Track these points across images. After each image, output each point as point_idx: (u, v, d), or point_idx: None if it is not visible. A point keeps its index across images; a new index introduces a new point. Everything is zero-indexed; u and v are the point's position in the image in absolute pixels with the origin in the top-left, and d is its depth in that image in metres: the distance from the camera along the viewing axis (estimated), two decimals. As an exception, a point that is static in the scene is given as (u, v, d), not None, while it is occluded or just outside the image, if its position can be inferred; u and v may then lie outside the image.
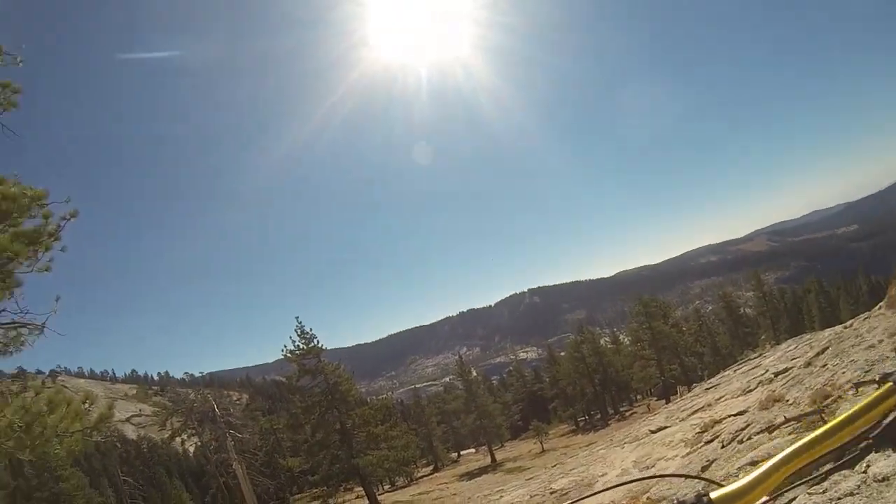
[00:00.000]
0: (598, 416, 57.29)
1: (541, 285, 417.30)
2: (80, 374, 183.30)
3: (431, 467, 57.08)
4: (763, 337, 58.88)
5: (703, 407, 9.75)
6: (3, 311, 9.35)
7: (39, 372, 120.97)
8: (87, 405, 9.08)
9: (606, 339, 72.60)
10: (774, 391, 8.85)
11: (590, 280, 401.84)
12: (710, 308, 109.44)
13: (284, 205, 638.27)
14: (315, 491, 36.79)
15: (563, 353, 68.14)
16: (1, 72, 10.34)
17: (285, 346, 34.53)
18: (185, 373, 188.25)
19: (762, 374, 11.06)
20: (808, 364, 9.26)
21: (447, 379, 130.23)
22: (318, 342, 34.47)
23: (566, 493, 11.45)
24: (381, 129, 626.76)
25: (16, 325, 9.62)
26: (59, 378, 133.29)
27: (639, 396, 66.54)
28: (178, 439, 55.84)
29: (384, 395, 62.59)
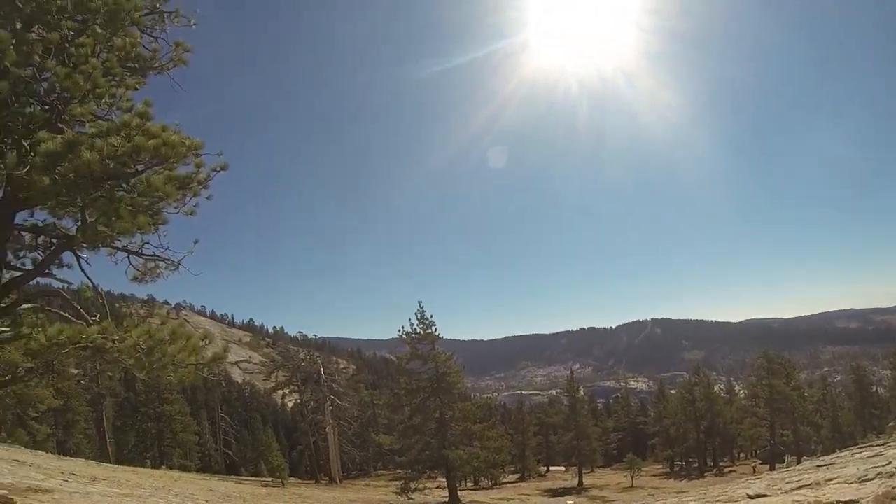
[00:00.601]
0: (696, 464, 54.02)
1: (665, 317, 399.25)
2: (201, 313, 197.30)
3: (518, 476, 56.53)
4: (892, 424, 53.26)
5: (810, 484, 8.75)
6: (147, 244, 10.22)
7: (166, 303, 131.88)
8: (204, 342, 9.67)
9: (721, 386, 69.00)
10: (895, 489, 7.86)
11: (715, 321, 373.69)
12: (839, 378, 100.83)
13: (435, 196, 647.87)
14: (399, 472, 37.39)
15: (673, 392, 65.93)
16: (176, 31, 11.49)
17: (402, 328, 35.29)
18: (300, 332, 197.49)
19: (884, 466, 9.78)
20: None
21: (554, 392, 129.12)
22: (435, 329, 34.94)
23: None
24: (538, 135, 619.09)
25: (155, 258, 10.49)
26: (182, 312, 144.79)
27: (742, 455, 62.63)
28: (279, 392, 58.49)
29: (489, 395, 62.75)
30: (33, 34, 9.55)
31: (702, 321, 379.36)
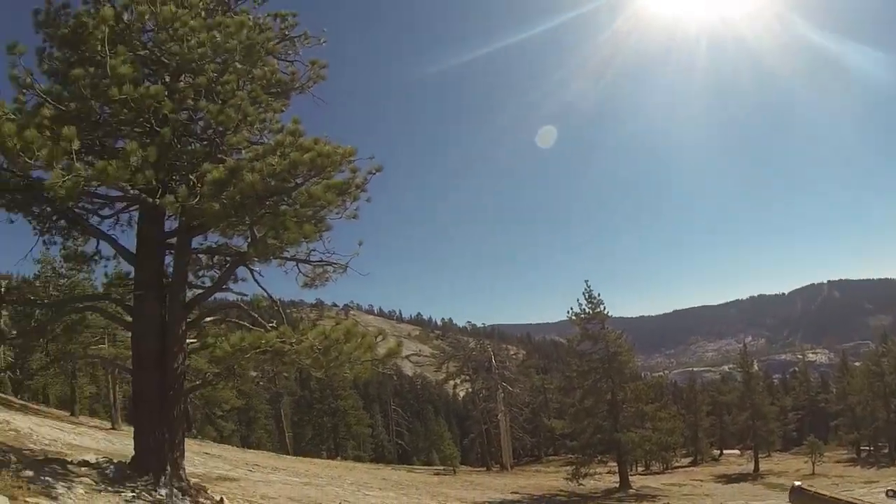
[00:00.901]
0: (886, 450, 47.53)
1: (843, 278, 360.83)
2: (369, 311, 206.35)
3: (690, 459, 54.22)
4: None
5: None
6: (314, 251, 11.10)
7: (334, 305, 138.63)
8: (378, 339, 10.31)
9: (915, 355, 61.91)
10: None
11: None
12: None
13: (576, 164, 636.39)
14: (570, 456, 37.21)
15: (857, 364, 59.54)
16: (307, 51, 12.51)
17: (571, 309, 35.32)
18: (468, 322, 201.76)
19: None
20: None
21: (726, 367, 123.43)
22: (603, 308, 34.74)
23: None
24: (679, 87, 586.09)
25: (323, 263, 11.41)
26: (351, 312, 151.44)
27: None
28: (450, 382, 60.03)
29: (659, 374, 60.79)
30: (182, 82, 10.73)
31: (888, 280, 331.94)
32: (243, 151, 10.25)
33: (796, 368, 79.11)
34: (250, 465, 24.58)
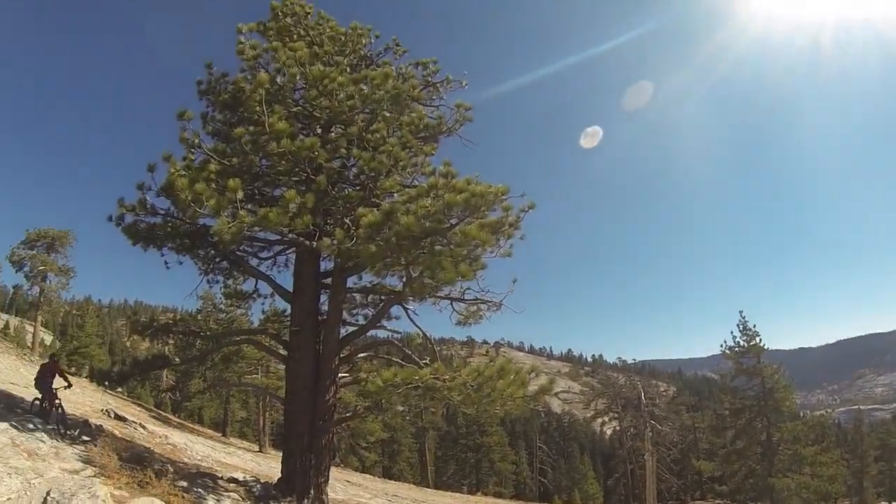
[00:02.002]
0: None
1: None
2: (520, 348, 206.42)
3: (854, 512, 49.53)
4: None
5: None
6: (468, 289, 11.31)
7: (485, 342, 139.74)
8: (531, 375, 10.36)
9: None
10: None
11: None
12: None
13: (724, 188, 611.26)
14: (718, 501, 35.21)
15: None
16: (451, 94, 13.22)
17: (724, 342, 34.01)
18: (618, 357, 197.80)
19: None
20: None
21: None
22: (759, 340, 33.05)
23: None
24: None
25: (477, 301, 11.62)
26: (501, 349, 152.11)
27: None
28: (598, 420, 58.85)
29: (821, 412, 56.19)
30: (333, 133, 11.51)
31: None
32: (396, 195, 10.82)
33: None
34: (390, 495, 25.06)
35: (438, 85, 13.15)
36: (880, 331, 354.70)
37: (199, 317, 20.16)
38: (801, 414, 43.17)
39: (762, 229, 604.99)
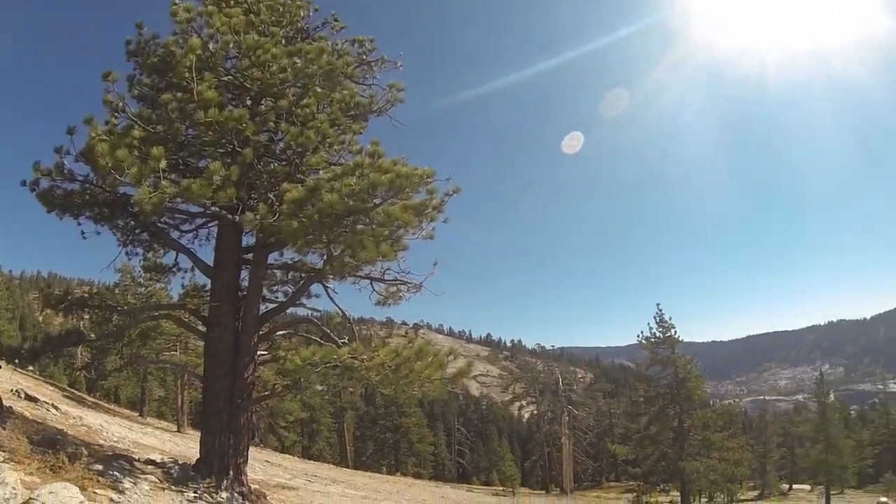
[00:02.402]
0: None
1: None
2: (439, 331, 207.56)
3: (757, 493, 52.09)
4: None
5: None
6: (388, 270, 11.32)
7: (404, 323, 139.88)
8: (450, 358, 10.43)
9: None
10: None
11: None
12: None
13: (644, 186, 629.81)
14: (631, 483, 36.51)
15: None
16: (385, 75, 12.94)
17: (641, 332, 34.94)
18: (537, 343, 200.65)
19: None
20: None
21: (800, 397, 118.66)
22: (675, 332, 34.22)
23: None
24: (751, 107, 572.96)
25: (397, 282, 11.61)
26: (421, 331, 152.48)
27: None
28: (516, 404, 59.98)
29: (729, 401, 58.88)
30: (263, 106, 11.25)
31: None
32: (322, 172, 10.60)
33: (877, 400, 74.81)
34: (310, 475, 24.97)
35: (373, 64, 12.90)
36: (787, 329, 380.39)
37: (116, 290, 19.53)
38: (711, 402, 45.15)
39: (680, 229, 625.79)
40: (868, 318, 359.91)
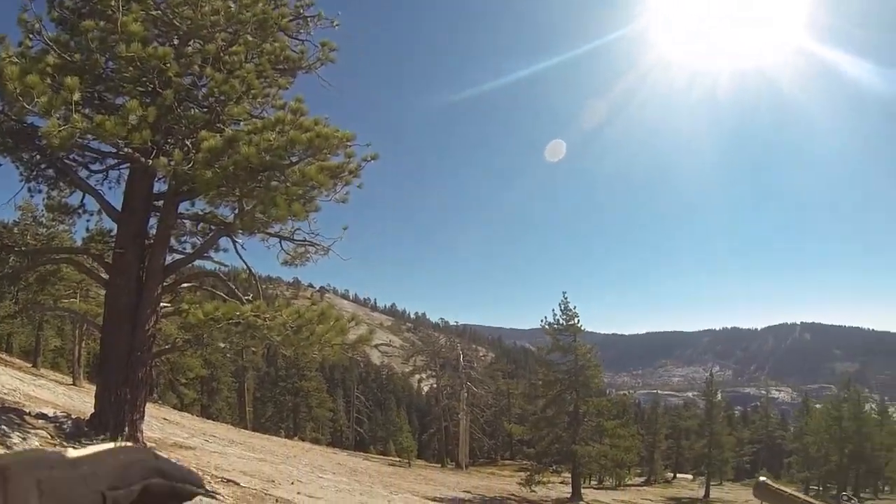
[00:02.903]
0: (834, 492, 47.89)
1: (816, 321, 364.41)
2: (344, 296, 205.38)
3: (643, 479, 54.83)
4: None
5: None
6: (298, 229, 11.13)
7: (311, 286, 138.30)
8: (351, 324, 10.40)
9: (873, 405, 62.93)
10: None
11: (873, 330, 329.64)
12: None
13: (580, 189, 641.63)
14: (525, 463, 37.46)
15: (818, 406, 60.40)
16: (320, 32, 12.48)
17: (545, 318, 35.26)
18: (441, 318, 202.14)
19: None
20: None
21: (690, 394, 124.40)
22: (577, 321, 34.61)
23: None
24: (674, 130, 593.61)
25: (306, 243, 11.41)
26: (327, 295, 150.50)
27: (887, 488, 55.08)
28: (416, 376, 60.22)
29: (624, 392, 61.12)
30: (190, 47, 10.78)
31: (858, 329, 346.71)
32: (242, 123, 10.29)
33: (759, 403, 79.78)
34: (207, 435, 24.50)
35: (309, 19, 12.43)
36: (685, 330, 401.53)
37: (15, 229, 18.41)
38: (607, 392, 46.89)
39: (593, 223, 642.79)
40: (759, 328, 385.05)
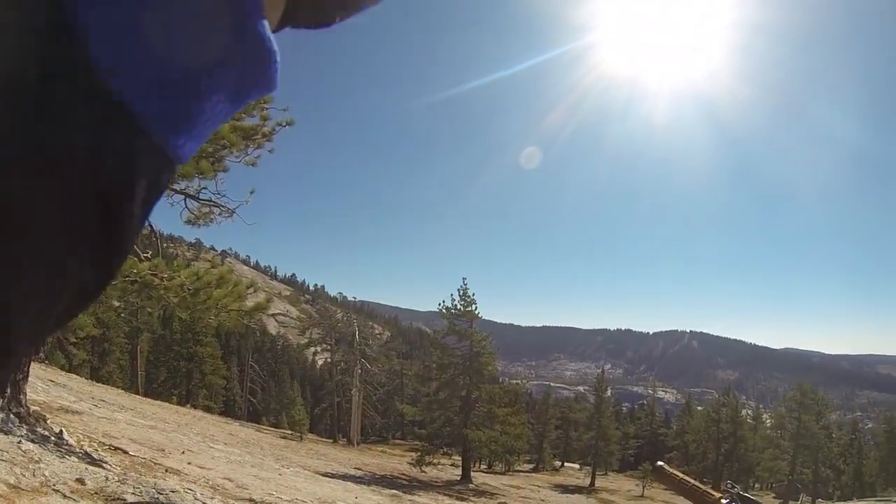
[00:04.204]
0: (711, 485, 52.23)
1: (704, 331, 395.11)
2: (245, 262, 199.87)
3: (532, 466, 56.57)
4: None
5: None
6: (205, 188, 10.64)
7: (212, 248, 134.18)
8: (250, 290, 10.09)
9: (749, 411, 67.36)
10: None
11: (754, 345, 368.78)
12: (870, 426, 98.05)
13: (492, 185, 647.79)
14: (416, 443, 37.76)
15: (700, 408, 64.62)
16: None
17: (443, 302, 35.26)
18: (340, 293, 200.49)
19: None
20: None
21: (581, 388, 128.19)
22: (475, 308, 34.83)
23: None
24: (615, 133, 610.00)
25: (211, 203, 10.90)
26: (228, 259, 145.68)
27: (757, 485, 60.22)
28: (311, 349, 59.28)
29: (517, 381, 62.33)
30: None
31: (740, 342, 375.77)
32: None
33: (645, 401, 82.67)
34: (97, 399, 23.34)
35: None
36: (581, 327, 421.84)
37: None
38: (501, 379, 47.76)
39: (498, 224, 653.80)
40: (651, 333, 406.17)
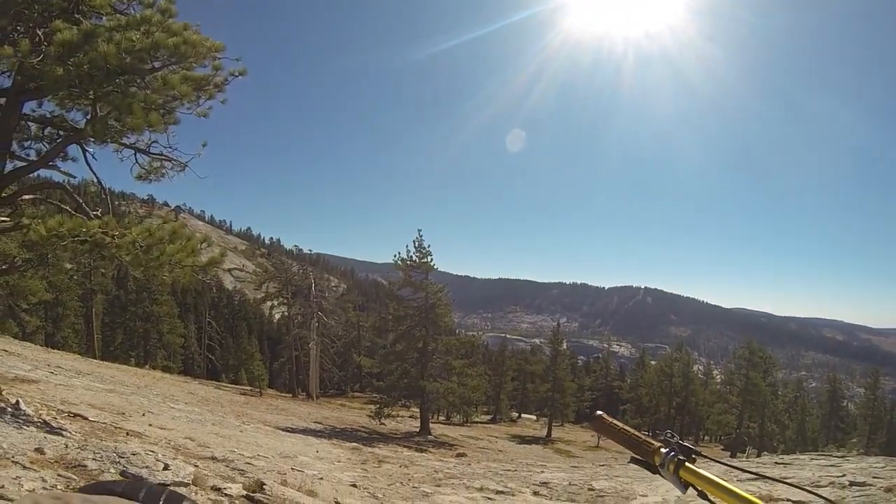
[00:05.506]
0: (662, 436, 54.42)
1: (658, 287, 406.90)
2: (200, 217, 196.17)
3: (490, 417, 57.80)
4: (854, 440, 56.64)
5: (765, 478, 9.31)
6: (155, 142, 10.23)
7: (166, 204, 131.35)
8: (203, 245, 9.80)
9: (700, 367, 69.75)
10: (844, 499, 8.56)
11: (706, 303, 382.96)
12: (814, 385, 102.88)
13: (455, 136, 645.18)
14: (375, 396, 38.07)
15: (654, 363, 66.41)
16: None
17: (398, 254, 35.22)
18: (295, 245, 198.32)
19: (837, 477, 10.47)
20: (889, 490, 8.78)
21: (537, 341, 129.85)
22: (431, 259, 34.85)
23: (602, 497, 11.29)
24: (583, 95, 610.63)
25: (162, 157, 10.49)
26: (182, 215, 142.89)
27: (707, 437, 63.80)
28: (268, 303, 58.95)
29: (473, 333, 62.99)
30: None
31: (693, 299, 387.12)
32: (105, 18, 9.14)
33: (600, 355, 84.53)
34: (53, 366, 22.84)
35: None
36: (537, 280, 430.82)
37: None
38: (457, 331, 48.26)
39: (455, 179, 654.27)
40: (606, 287, 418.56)
